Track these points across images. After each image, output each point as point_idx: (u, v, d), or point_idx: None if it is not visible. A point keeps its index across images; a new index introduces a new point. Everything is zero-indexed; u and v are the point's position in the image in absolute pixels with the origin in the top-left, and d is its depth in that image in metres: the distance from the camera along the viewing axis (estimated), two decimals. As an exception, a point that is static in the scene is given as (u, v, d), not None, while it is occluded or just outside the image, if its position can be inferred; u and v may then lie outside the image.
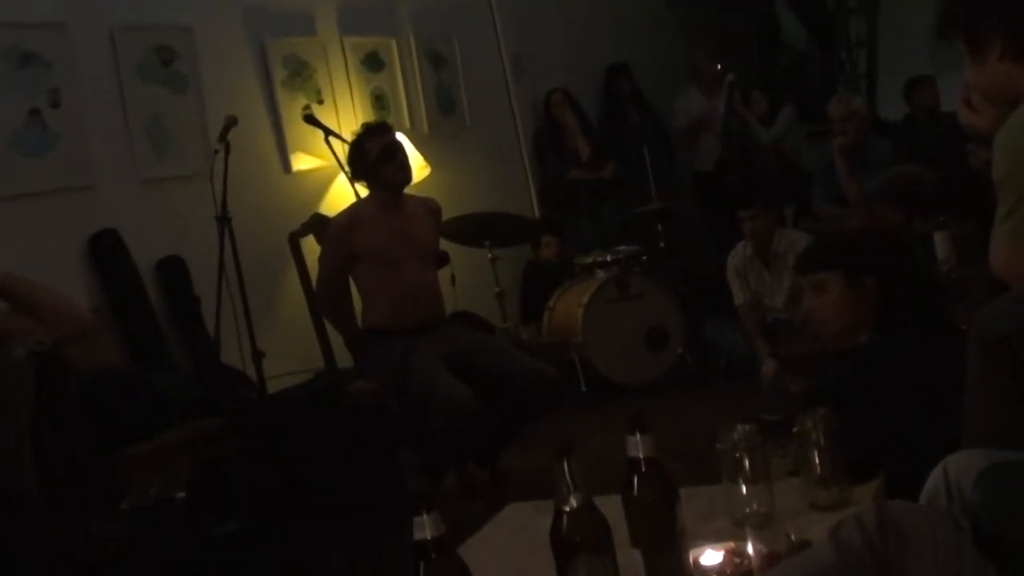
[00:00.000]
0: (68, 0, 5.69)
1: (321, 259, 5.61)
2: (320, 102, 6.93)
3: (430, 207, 5.74)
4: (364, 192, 5.61)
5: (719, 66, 8.82)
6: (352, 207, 5.66)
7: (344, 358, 5.73)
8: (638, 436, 2.33)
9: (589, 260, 7.45)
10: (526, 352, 5.91)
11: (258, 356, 5.25)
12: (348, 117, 7.05)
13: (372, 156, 5.43)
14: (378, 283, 5.45)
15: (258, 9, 6.71)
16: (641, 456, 2.34)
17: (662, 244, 8.03)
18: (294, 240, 5.92)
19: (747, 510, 2.65)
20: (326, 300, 5.66)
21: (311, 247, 5.82)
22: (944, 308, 3.60)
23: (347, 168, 5.59)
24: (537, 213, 8.38)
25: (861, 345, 3.35)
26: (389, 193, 5.50)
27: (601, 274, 7.30)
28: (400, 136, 6.78)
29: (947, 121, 8.61)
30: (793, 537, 2.41)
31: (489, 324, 6.90)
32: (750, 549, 2.40)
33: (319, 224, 5.81)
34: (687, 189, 9.08)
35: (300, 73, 6.89)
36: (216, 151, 5.31)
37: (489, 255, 6.85)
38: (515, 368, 5.33)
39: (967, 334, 2.77)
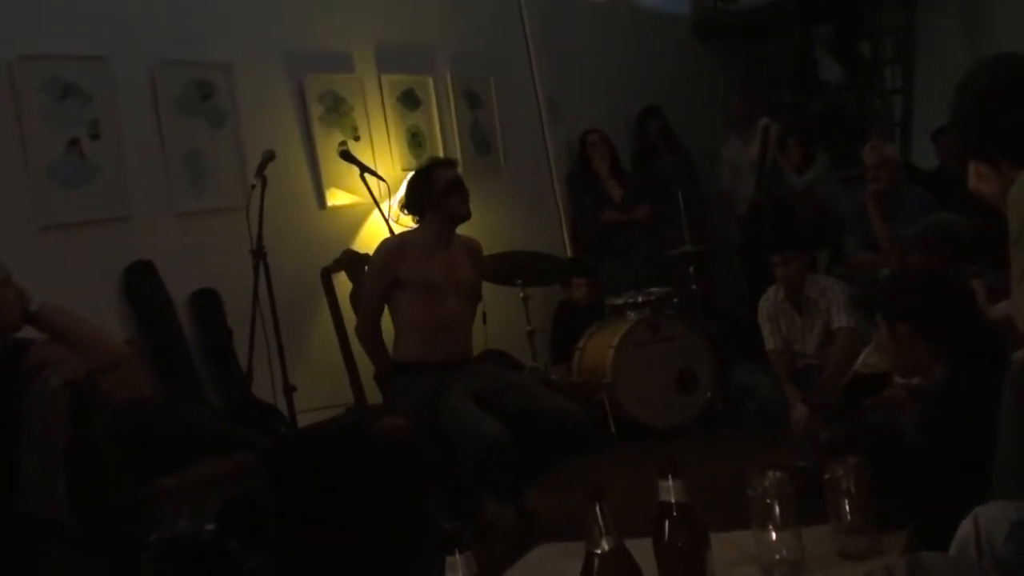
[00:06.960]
0: (109, 34, 5.76)
1: (365, 282, 5.57)
2: (356, 139, 6.97)
3: (473, 247, 5.72)
4: (399, 226, 5.60)
5: (755, 110, 8.83)
6: (402, 234, 5.64)
7: (373, 394, 5.73)
8: (670, 480, 2.34)
9: (620, 301, 7.42)
10: (555, 391, 5.89)
11: (289, 390, 5.26)
12: (384, 154, 7.09)
13: (439, 186, 5.42)
14: (416, 313, 5.39)
15: (297, 46, 6.76)
16: (673, 500, 2.34)
17: (694, 287, 8.02)
18: (326, 275, 5.94)
19: (776, 557, 2.65)
20: (368, 326, 5.52)
21: (343, 283, 5.83)
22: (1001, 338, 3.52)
23: (404, 198, 5.56)
24: (570, 253, 8.37)
25: (921, 387, 3.34)
26: (444, 227, 5.48)
27: (632, 316, 7.27)
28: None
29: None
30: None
31: (519, 363, 6.90)
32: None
33: (351, 260, 5.82)
34: (720, 232, 9.05)
35: (337, 110, 6.93)
36: (253, 185, 5.34)
37: (521, 294, 6.88)
38: (542, 406, 5.30)
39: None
